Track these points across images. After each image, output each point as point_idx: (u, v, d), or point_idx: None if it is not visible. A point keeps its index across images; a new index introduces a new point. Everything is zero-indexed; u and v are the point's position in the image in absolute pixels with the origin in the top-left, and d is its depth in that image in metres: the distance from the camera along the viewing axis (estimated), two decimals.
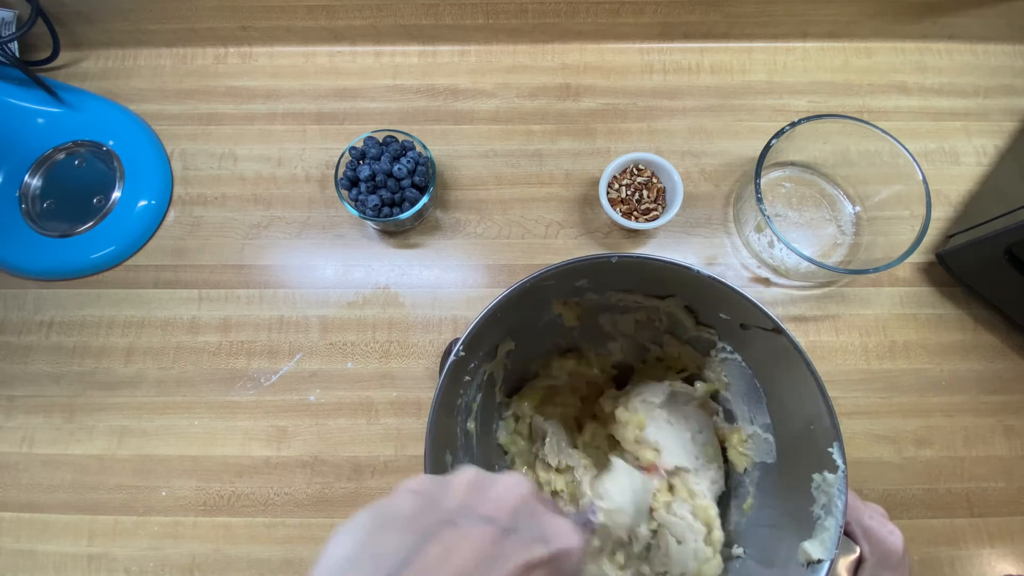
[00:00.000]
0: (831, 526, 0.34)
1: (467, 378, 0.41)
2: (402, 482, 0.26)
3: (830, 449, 0.35)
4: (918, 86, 0.64)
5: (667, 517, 0.41)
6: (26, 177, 0.60)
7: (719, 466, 0.45)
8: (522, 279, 0.37)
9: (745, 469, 0.43)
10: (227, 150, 0.62)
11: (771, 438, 0.41)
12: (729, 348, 0.42)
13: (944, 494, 0.52)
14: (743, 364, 0.42)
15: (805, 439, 0.37)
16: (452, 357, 0.36)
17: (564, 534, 0.26)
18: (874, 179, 0.57)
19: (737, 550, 0.40)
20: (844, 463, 0.34)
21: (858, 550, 0.36)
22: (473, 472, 0.27)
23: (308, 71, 0.65)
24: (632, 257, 0.38)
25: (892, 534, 0.35)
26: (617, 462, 0.38)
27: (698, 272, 0.37)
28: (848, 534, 0.36)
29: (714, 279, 0.37)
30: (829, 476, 0.35)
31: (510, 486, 0.27)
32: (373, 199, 0.53)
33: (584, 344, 0.50)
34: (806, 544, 0.35)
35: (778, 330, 0.36)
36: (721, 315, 0.40)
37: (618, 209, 0.56)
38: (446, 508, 0.25)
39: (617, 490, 0.35)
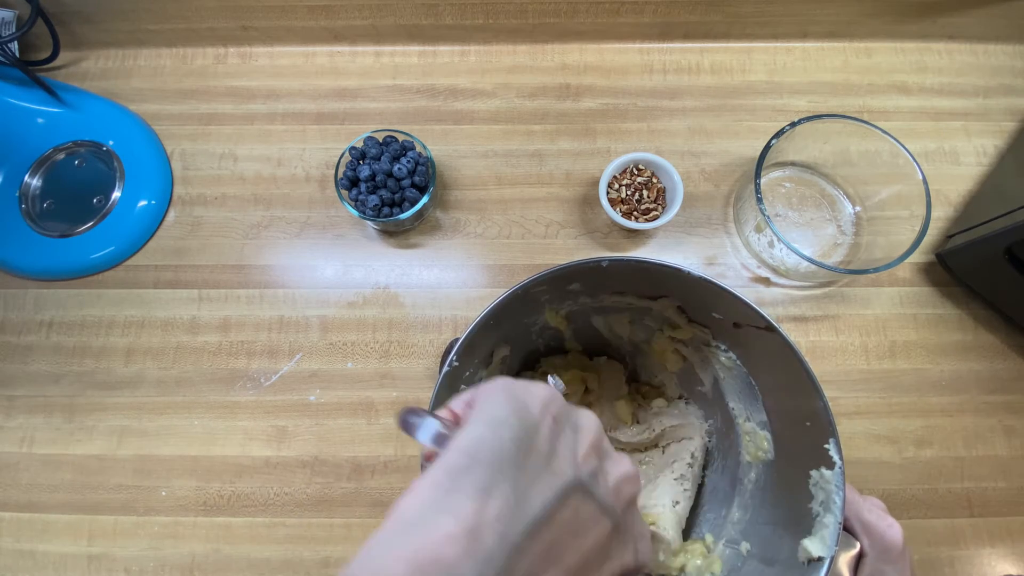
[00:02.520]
0: (830, 523, 0.34)
1: (463, 386, 0.41)
2: (498, 384, 0.24)
3: (826, 446, 0.35)
4: (918, 86, 0.64)
5: None
6: (26, 177, 0.60)
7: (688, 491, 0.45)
8: (513, 286, 0.37)
9: (749, 463, 0.43)
10: (227, 150, 0.62)
11: (768, 435, 0.41)
12: (723, 347, 0.43)
13: (944, 494, 0.52)
14: (737, 362, 0.42)
15: (802, 436, 0.37)
16: (446, 368, 0.36)
17: (647, 548, 0.26)
18: (874, 179, 0.57)
19: (744, 545, 0.40)
20: (841, 459, 0.34)
21: (858, 545, 0.36)
22: (593, 420, 0.25)
23: (308, 71, 0.65)
24: (623, 260, 0.38)
25: (891, 527, 0.35)
26: None
27: (689, 273, 0.37)
28: (847, 529, 0.36)
29: (704, 279, 0.37)
30: (826, 472, 0.35)
31: (628, 474, 0.26)
32: (373, 199, 0.53)
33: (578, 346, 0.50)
34: (806, 541, 0.35)
35: (770, 328, 0.36)
36: (714, 314, 0.40)
37: (618, 209, 0.56)
38: (574, 463, 0.23)
39: None
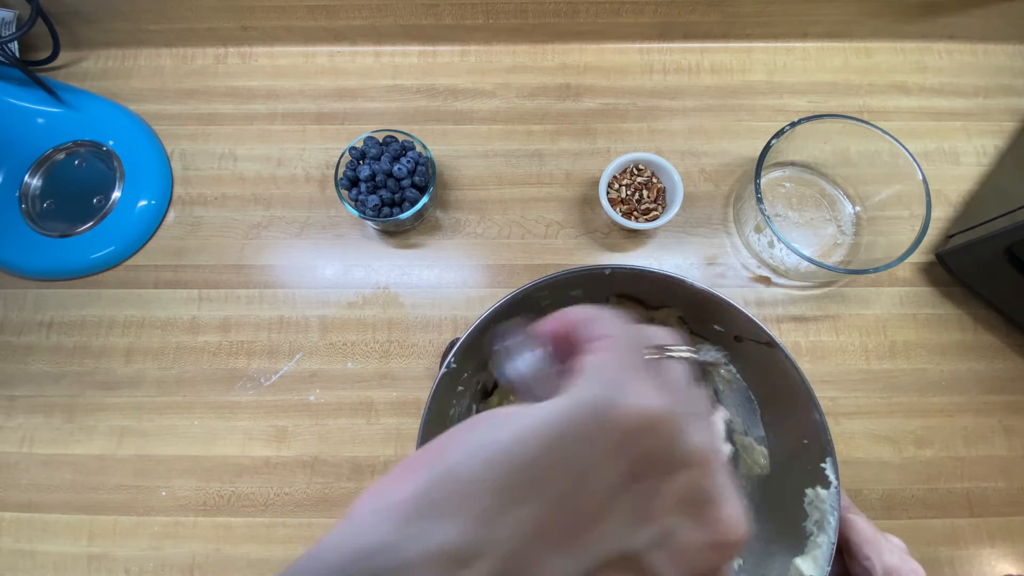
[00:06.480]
0: (823, 543, 0.34)
1: (460, 388, 0.41)
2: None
3: (823, 464, 0.35)
4: (918, 86, 0.64)
5: None
6: (26, 177, 0.60)
7: None
8: (514, 291, 0.37)
9: (747, 476, 0.43)
10: (227, 150, 0.62)
11: (765, 451, 0.41)
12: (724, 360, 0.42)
13: (944, 494, 0.52)
14: (737, 376, 0.42)
15: (799, 453, 0.37)
16: (443, 369, 0.36)
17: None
18: (874, 179, 0.57)
19: (736, 561, 0.40)
20: (837, 479, 0.34)
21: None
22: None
23: (308, 71, 0.65)
24: (627, 268, 0.38)
25: (915, 572, 0.33)
26: None
27: (692, 284, 0.37)
28: (868, 570, 0.35)
29: (708, 292, 0.36)
30: (822, 492, 0.35)
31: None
32: (373, 199, 0.53)
33: None
34: (798, 560, 0.35)
35: (772, 344, 0.36)
36: (715, 327, 0.40)
37: (618, 209, 0.56)
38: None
39: None
